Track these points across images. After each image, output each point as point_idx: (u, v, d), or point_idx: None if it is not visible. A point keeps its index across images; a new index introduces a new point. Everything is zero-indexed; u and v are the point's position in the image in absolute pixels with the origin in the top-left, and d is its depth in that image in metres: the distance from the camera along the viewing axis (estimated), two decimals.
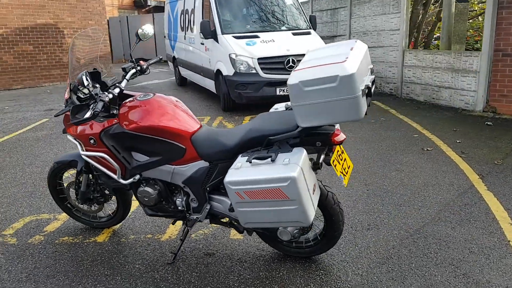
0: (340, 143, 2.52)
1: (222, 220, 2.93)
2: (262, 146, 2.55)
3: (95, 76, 2.99)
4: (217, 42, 8.15)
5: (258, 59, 7.56)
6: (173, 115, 2.80)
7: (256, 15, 8.66)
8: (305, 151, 2.44)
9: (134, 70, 3.08)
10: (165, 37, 12.89)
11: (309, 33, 8.48)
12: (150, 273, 2.84)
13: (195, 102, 9.27)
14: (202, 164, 2.76)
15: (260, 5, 8.76)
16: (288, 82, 2.35)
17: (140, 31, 3.15)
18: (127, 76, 3.05)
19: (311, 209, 2.39)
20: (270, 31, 8.29)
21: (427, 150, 5.34)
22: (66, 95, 2.96)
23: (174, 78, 12.37)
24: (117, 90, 2.88)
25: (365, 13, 9.86)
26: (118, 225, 3.54)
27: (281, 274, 2.79)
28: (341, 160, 2.65)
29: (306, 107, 2.34)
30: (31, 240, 3.34)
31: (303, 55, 7.85)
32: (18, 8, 11.99)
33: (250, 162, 2.43)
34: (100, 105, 2.59)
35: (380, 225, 3.42)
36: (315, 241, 2.91)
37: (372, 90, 2.52)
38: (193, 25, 9.70)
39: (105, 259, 3.04)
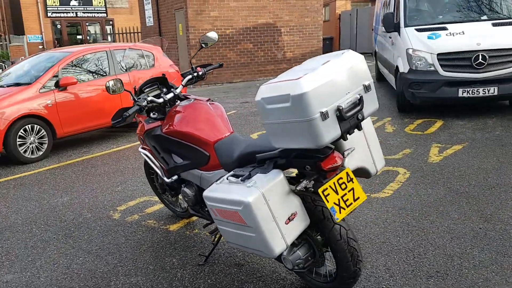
0: (332, 170, 2.12)
1: None
2: (256, 162, 2.36)
3: (163, 81, 3.28)
4: (400, 35, 7.48)
5: (438, 54, 6.59)
6: (202, 122, 2.84)
7: (451, 4, 7.51)
8: (281, 176, 2.17)
9: (190, 76, 3.24)
10: (372, 30, 12.49)
11: None
12: (177, 270, 2.99)
13: None
14: (223, 172, 2.73)
15: None
16: (255, 98, 2.11)
17: (202, 38, 3.29)
18: (183, 82, 3.22)
19: (276, 241, 2.10)
20: (463, 21, 7.08)
21: None
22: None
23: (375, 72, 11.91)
24: (169, 95, 3.10)
25: None
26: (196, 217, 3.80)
27: None
28: (344, 189, 2.20)
29: (272, 126, 2.08)
30: (128, 218, 3.93)
31: (500, 50, 6.55)
32: (244, 10, 13.56)
33: (227, 179, 2.30)
34: (133, 109, 2.85)
35: (452, 275, 2.66)
36: (331, 277, 2.51)
37: (359, 111, 2.02)
38: None
39: (159, 247, 3.34)
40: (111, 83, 2.93)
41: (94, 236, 3.61)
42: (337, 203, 2.18)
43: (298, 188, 2.18)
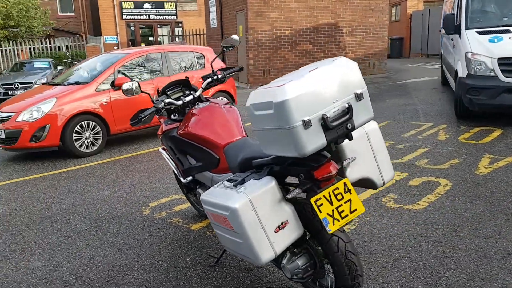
0: (326, 179, 2.07)
1: None
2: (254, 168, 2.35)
3: (186, 84, 3.35)
4: (460, 38, 7.05)
5: (499, 59, 6.12)
6: (215, 125, 2.87)
7: None
8: (272, 183, 2.13)
9: (210, 79, 3.28)
10: (439, 31, 11.88)
11: None
12: (187, 269, 3.05)
13: (434, 104, 8.34)
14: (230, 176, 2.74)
15: None
16: (246, 104, 2.10)
17: (224, 42, 3.32)
18: (203, 85, 3.27)
19: (263, 249, 2.08)
20: None
21: None
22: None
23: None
24: (189, 98, 3.16)
25: None
26: None
27: None
28: (339, 200, 2.12)
29: (260, 133, 2.06)
30: (156, 215, 4.06)
31: None
32: (304, 11, 13.46)
33: (223, 183, 2.31)
34: (149, 111, 2.94)
35: None
36: None
37: (347, 120, 1.96)
38: None
39: (177, 245, 3.42)
40: (134, 85, 3.06)
41: (122, 230, 3.78)
42: (331, 214, 2.10)
43: (289, 196, 2.14)
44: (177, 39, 23.14)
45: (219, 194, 2.23)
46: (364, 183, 2.42)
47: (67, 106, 6.29)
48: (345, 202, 2.13)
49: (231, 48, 3.39)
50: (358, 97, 2.03)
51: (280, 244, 2.13)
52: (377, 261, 2.98)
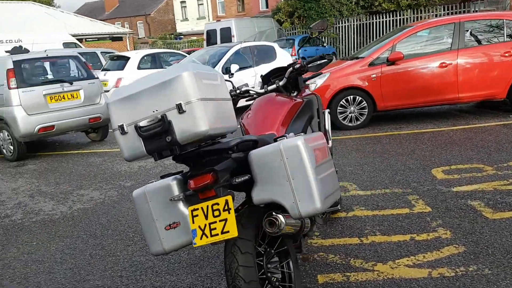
0: (194, 189, 1.99)
1: None
2: None
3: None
4: None
5: None
6: (257, 115, 2.82)
7: None
8: (168, 182, 2.14)
9: (291, 69, 3.06)
10: None
11: None
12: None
13: None
14: None
15: None
16: None
17: (312, 26, 3.09)
18: (286, 75, 3.10)
19: (153, 241, 2.16)
20: None
21: None
22: None
23: None
24: (271, 87, 3.14)
25: None
26: None
27: None
28: (215, 217, 1.97)
29: None
30: None
31: None
32: None
33: None
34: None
35: None
36: None
37: (163, 132, 1.89)
38: None
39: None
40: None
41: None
42: (202, 228, 1.99)
43: (171, 198, 2.08)
44: None
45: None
46: (282, 209, 2.01)
47: (337, 81, 6.66)
48: (220, 221, 1.96)
49: (317, 34, 3.01)
50: (179, 109, 1.86)
51: (169, 243, 2.14)
52: None
